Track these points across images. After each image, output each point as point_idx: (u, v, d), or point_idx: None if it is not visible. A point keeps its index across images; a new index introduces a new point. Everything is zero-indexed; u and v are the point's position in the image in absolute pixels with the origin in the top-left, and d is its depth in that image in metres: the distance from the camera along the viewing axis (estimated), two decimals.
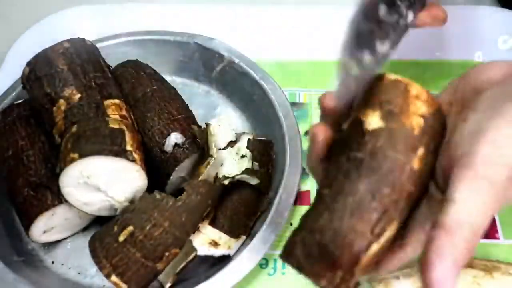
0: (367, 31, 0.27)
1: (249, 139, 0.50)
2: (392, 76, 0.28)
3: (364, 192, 0.26)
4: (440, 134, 0.28)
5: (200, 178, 0.43)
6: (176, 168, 0.46)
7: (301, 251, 0.27)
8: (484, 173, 0.25)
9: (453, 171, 0.26)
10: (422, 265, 0.25)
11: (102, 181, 0.41)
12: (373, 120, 0.27)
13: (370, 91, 0.28)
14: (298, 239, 0.28)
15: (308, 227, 0.27)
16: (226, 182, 0.43)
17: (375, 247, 0.26)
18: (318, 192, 0.28)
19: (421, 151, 0.27)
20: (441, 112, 0.28)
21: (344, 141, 0.28)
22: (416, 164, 0.26)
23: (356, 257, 0.25)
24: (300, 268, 0.27)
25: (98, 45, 0.53)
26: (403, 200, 0.26)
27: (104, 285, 0.46)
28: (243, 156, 0.49)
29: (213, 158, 0.45)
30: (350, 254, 0.25)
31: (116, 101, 0.47)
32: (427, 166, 0.27)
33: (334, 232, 0.26)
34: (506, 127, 0.25)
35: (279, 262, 0.48)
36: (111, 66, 0.53)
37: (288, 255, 0.28)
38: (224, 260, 0.44)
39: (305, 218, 0.28)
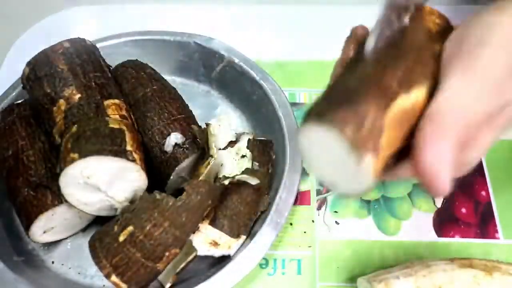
0: None
1: (249, 139, 0.50)
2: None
3: (390, 58, 0.26)
4: None
5: (200, 178, 0.43)
6: (176, 168, 0.46)
7: (323, 105, 0.24)
8: (474, 59, 0.25)
9: (444, 67, 0.26)
10: (412, 156, 0.25)
11: (102, 181, 0.41)
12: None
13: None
14: (320, 99, 0.25)
15: (332, 87, 0.26)
16: (226, 182, 0.43)
17: (402, 101, 0.24)
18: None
19: (438, 46, 0.28)
20: (451, 26, 0.31)
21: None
22: (438, 49, 0.28)
23: (383, 104, 0.24)
24: (320, 116, 0.23)
25: (98, 45, 0.53)
26: (428, 69, 0.26)
27: (104, 285, 0.46)
28: (243, 156, 0.49)
29: (213, 158, 0.45)
30: (376, 100, 0.23)
31: (116, 101, 0.47)
32: None
33: (360, 84, 0.24)
34: (491, 14, 0.26)
35: (279, 262, 0.48)
36: (111, 66, 0.53)
37: (308, 115, 0.24)
38: (224, 260, 0.44)
39: (328, 85, 0.27)
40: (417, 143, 0.25)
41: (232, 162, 0.49)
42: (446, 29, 0.30)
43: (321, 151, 0.24)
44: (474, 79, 0.25)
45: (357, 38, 0.32)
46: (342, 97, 0.24)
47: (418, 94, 0.26)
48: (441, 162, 0.24)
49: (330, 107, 0.24)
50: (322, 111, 0.24)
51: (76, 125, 0.43)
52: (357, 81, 0.25)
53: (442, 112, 0.25)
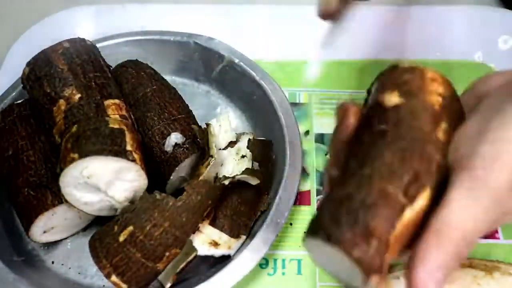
0: None
1: (249, 139, 0.50)
2: (406, 64, 0.28)
3: (392, 157, 0.25)
4: (459, 115, 0.28)
5: (201, 178, 0.43)
6: (176, 168, 0.46)
7: (329, 220, 0.24)
8: (483, 175, 0.24)
9: (453, 172, 0.25)
10: (408, 267, 0.25)
11: (102, 181, 0.41)
12: (392, 99, 0.27)
13: (386, 78, 0.28)
14: (324, 211, 0.25)
15: (334, 197, 0.25)
16: (226, 182, 0.43)
17: (409, 214, 0.24)
18: (342, 171, 0.27)
19: (444, 125, 0.26)
20: (457, 95, 0.28)
21: (365, 122, 0.27)
22: (441, 135, 0.26)
23: (390, 221, 0.23)
24: (329, 237, 0.24)
25: (98, 45, 0.53)
26: (433, 167, 0.25)
27: (104, 285, 0.46)
28: (243, 156, 0.49)
29: (213, 158, 0.45)
30: (382, 218, 0.23)
31: (116, 101, 0.47)
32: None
33: (364, 197, 0.24)
34: (506, 128, 0.24)
35: (279, 262, 0.48)
36: (111, 66, 0.53)
37: (314, 230, 0.25)
38: (224, 260, 0.44)
39: (328, 193, 0.27)
40: (413, 259, 0.25)
41: (232, 162, 0.49)
42: (451, 101, 0.27)
43: (328, 258, 0.25)
44: (482, 194, 0.24)
45: (355, 113, 0.29)
46: (348, 213, 0.24)
47: (423, 200, 0.25)
48: (431, 282, 0.25)
49: (338, 225, 0.24)
50: (330, 228, 0.24)
51: (76, 125, 0.43)
52: (363, 191, 0.24)
53: (448, 226, 0.24)
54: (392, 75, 0.28)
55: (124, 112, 0.47)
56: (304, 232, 0.26)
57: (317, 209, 0.27)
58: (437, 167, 0.25)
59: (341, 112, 0.30)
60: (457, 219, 0.24)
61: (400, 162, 0.25)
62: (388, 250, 0.24)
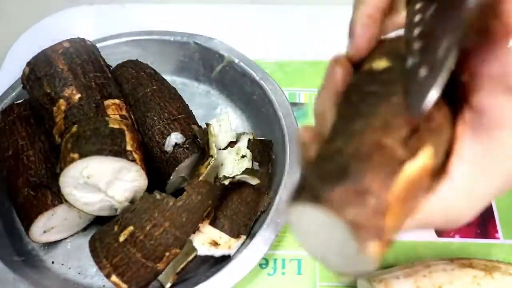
0: None
1: (249, 139, 0.50)
2: (392, 35, 0.26)
3: (385, 111, 0.21)
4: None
5: (201, 178, 0.43)
6: (176, 168, 0.46)
7: (314, 179, 0.20)
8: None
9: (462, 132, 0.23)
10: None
11: (102, 181, 0.41)
12: (381, 63, 0.24)
13: (373, 50, 0.26)
14: (308, 171, 0.21)
15: (319, 155, 0.22)
16: (226, 182, 0.43)
17: (409, 170, 0.20)
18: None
19: None
20: None
21: (353, 88, 0.25)
22: None
23: (388, 175, 0.20)
24: (315, 198, 0.19)
25: (98, 45, 0.53)
26: (433, 123, 0.22)
27: (104, 285, 0.46)
28: (243, 156, 0.49)
29: (213, 158, 0.45)
30: (379, 171, 0.20)
31: (116, 101, 0.47)
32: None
33: (356, 149, 0.20)
34: None
35: (279, 262, 0.48)
36: (111, 66, 0.53)
37: (297, 194, 0.21)
38: (224, 260, 0.44)
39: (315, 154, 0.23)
40: None
41: (232, 162, 0.49)
42: None
43: (315, 231, 0.21)
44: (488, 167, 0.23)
45: (344, 64, 0.27)
46: (338, 168, 0.20)
47: (425, 157, 0.21)
48: None
49: (325, 181, 0.20)
50: (315, 187, 0.20)
51: (76, 125, 0.43)
52: (354, 143, 0.21)
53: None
54: (378, 46, 0.26)
55: (124, 112, 0.47)
56: (287, 202, 0.22)
57: (301, 172, 0.23)
58: (437, 125, 0.23)
59: (330, 66, 0.27)
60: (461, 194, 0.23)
61: (395, 115, 0.21)
62: (388, 212, 0.20)
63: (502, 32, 0.21)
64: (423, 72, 0.21)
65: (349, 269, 0.21)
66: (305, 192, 0.20)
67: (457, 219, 0.23)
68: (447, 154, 0.23)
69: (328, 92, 0.26)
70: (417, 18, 0.24)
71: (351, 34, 0.27)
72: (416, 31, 0.24)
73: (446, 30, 0.21)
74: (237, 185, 0.45)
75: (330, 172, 0.20)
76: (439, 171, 0.23)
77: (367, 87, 0.24)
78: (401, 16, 0.28)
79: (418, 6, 0.25)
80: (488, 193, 0.23)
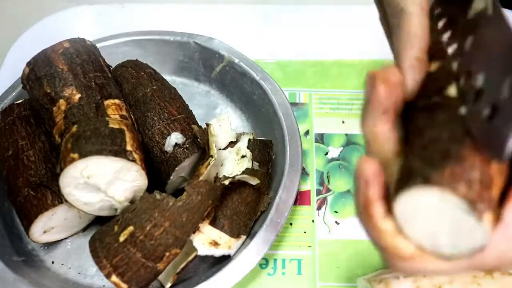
0: None
1: (249, 139, 0.50)
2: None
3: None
4: None
5: (201, 178, 0.43)
6: (176, 168, 0.46)
7: (420, 166, 0.22)
8: None
9: None
10: None
11: (102, 181, 0.41)
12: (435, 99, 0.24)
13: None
14: (408, 163, 0.23)
15: (412, 150, 0.23)
16: (226, 182, 0.43)
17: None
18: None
19: None
20: None
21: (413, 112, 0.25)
22: None
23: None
24: (427, 180, 0.21)
25: (98, 45, 0.53)
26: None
27: (104, 285, 0.46)
28: (243, 156, 0.49)
29: (213, 159, 0.45)
30: (476, 145, 0.21)
31: (116, 101, 0.47)
32: None
33: (451, 134, 0.22)
34: None
35: (279, 262, 0.48)
36: (111, 66, 0.53)
37: (405, 183, 0.22)
38: (224, 260, 0.44)
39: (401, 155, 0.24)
40: None
41: (232, 162, 0.49)
42: None
43: (425, 217, 0.22)
44: None
45: (384, 79, 0.25)
46: (439, 152, 0.22)
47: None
48: None
49: (431, 165, 0.21)
50: (423, 171, 0.21)
51: (76, 125, 0.43)
52: (447, 132, 0.22)
53: None
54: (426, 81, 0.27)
55: (124, 112, 0.47)
56: (390, 199, 0.23)
57: (399, 170, 0.23)
58: None
59: (369, 85, 0.26)
60: None
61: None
62: (493, 184, 0.21)
63: None
64: (486, 112, 0.21)
65: (464, 250, 0.22)
66: (414, 177, 0.21)
67: (509, 264, 0.23)
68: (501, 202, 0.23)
69: (376, 113, 0.25)
70: (452, 48, 0.25)
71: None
72: (456, 64, 0.24)
73: (504, 66, 0.21)
74: (237, 185, 0.45)
75: (433, 158, 0.21)
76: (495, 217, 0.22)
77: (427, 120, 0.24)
78: None
79: (447, 34, 0.26)
80: None
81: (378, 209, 0.23)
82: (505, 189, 0.23)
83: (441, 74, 0.26)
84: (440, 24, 0.27)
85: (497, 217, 0.21)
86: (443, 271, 0.23)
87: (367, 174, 0.24)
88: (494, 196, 0.21)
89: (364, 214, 0.24)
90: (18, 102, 0.51)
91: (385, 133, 0.25)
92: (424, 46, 0.27)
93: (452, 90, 0.24)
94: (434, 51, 0.27)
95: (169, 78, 0.58)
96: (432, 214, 0.22)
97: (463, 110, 0.23)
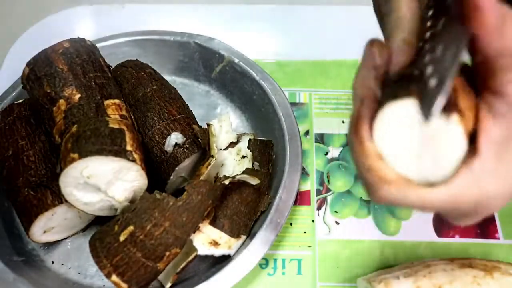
0: None
1: (249, 139, 0.50)
2: None
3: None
4: None
5: (201, 178, 0.43)
6: (176, 168, 0.46)
7: (392, 90, 0.25)
8: None
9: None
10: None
11: (102, 181, 0.41)
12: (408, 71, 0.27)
13: None
14: (382, 98, 0.25)
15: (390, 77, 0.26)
16: (226, 182, 0.43)
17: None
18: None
19: None
20: None
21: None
22: None
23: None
24: (396, 96, 0.24)
25: (98, 45, 0.53)
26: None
27: (104, 285, 0.46)
28: (243, 157, 0.49)
29: (214, 159, 0.45)
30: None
31: (116, 101, 0.47)
32: None
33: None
34: None
35: (279, 262, 0.48)
36: (111, 66, 0.53)
37: (381, 104, 0.24)
38: (224, 260, 0.44)
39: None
40: None
41: (232, 162, 0.49)
42: None
43: (404, 135, 0.24)
44: None
45: (379, 45, 0.28)
46: (408, 78, 0.24)
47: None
48: None
49: (400, 88, 0.24)
50: (393, 92, 0.24)
51: (76, 125, 0.43)
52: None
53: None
54: None
55: (124, 112, 0.47)
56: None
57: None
58: None
59: (366, 48, 0.28)
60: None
61: None
62: (459, 97, 0.23)
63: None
64: (433, 82, 0.23)
65: (442, 168, 0.24)
66: (386, 99, 0.24)
67: (487, 202, 0.24)
68: (472, 137, 0.24)
69: (368, 72, 0.27)
70: (428, 33, 0.27)
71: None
72: (428, 45, 0.26)
73: (450, 41, 0.24)
74: (237, 185, 0.45)
75: (400, 80, 0.24)
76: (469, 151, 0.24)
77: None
78: None
79: (429, 23, 0.27)
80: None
81: (366, 130, 0.25)
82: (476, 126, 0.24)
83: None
84: (430, 12, 0.29)
85: (473, 151, 0.23)
86: (424, 201, 0.24)
87: (363, 94, 0.26)
88: (463, 106, 0.23)
89: (353, 132, 0.25)
90: (18, 102, 0.51)
91: (371, 88, 0.26)
92: (413, 29, 0.28)
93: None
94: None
95: (169, 78, 0.58)
96: (408, 133, 0.23)
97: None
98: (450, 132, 0.23)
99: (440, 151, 0.24)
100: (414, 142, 0.24)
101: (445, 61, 0.23)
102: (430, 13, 0.29)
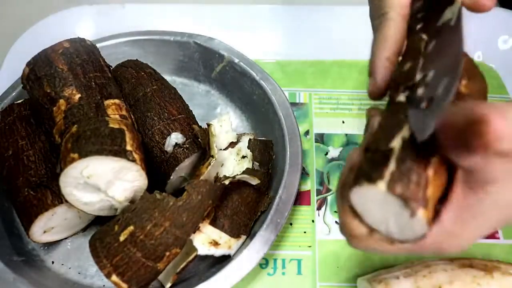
0: None
1: (249, 139, 0.50)
2: None
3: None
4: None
5: (201, 178, 0.43)
6: (176, 168, 0.46)
7: (368, 165, 0.27)
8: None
9: None
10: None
11: (102, 181, 0.41)
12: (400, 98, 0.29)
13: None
14: (361, 163, 0.27)
15: (368, 145, 0.27)
16: (226, 182, 0.43)
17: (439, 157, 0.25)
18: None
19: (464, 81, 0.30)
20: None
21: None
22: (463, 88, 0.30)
23: (425, 157, 0.25)
24: (371, 180, 0.25)
25: (98, 45, 0.53)
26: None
27: (104, 285, 0.46)
28: (243, 157, 0.49)
29: (214, 159, 0.45)
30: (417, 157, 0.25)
31: (116, 101, 0.47)
32: None
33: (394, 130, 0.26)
34: None
35: (279, 262, 0.48)
36: (111, 66, 0.53)
37: (357, 177, 0.26)
38: (224, 260, 0.44)
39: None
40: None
41: (232, 162, 0.49)
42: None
43: (376, 206, 0.26)
44: None
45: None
46: (384, 159, 0.25)
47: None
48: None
49: (377, 168, 0.25)
50: (368, 172, 0.26)
51: (76, 125, 0.43)
52: (391, 132, 0.26)
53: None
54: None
55: (124, 112, 0.47)
56: (347, 189, 0.27)
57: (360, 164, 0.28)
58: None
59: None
60: None
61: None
62: (429, 184, 0.25)
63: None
64: (423, 104, 0.26)
65: (408, 237, 0.26)
66: (362, 176, 0.26)
67: (444, 253, 0.27)
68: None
69: (360, 146, 0.30)
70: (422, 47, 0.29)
71: (372, 73, 0.32)
72: (420, 64, 0.29)
73: (445, 69, 0.26)
74: (237, 185, 0.45)
75: (378, 161, 0.26)
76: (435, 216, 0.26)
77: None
78: None
79: (423, 36, 0.30)
80: (480, 232, 0.27)
81: (347, 192, 0.27)
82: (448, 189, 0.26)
83: (410, 72, 0.29)
84: (419, 26, 0.31)
85: (435, 213, 0.26)
86: (389, 250, 0.28)
87: (353, 162, 0.28)
88: (430, 194, 0.25)
89: (338, 193, 0.29)
90: (18, 102, 0.51)
91: (359, 161, 0.28)
92: (397, 49, 0.32)
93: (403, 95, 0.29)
94: (411, 49, 0.31)
95: (169, 78, 0.58)
96: (379, 206, 0.26)
97: (404, 99, 0.28)
98: (413, 220, 0.25)
99: (404, 224, 0.26)
100: (383, 211, 0.26)
101: (438, 90, 0.25)
102: (419, 26, 0.31)
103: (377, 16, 0.33)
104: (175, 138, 0.47)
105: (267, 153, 0.50)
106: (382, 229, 0.27)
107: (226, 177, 0.44)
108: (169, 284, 0.42)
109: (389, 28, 0.32)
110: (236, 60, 0.56)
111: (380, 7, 0.33)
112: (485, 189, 0.24)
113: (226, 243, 0.44)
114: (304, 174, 0.54)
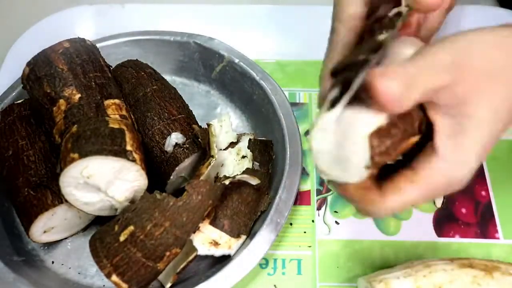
0: None
1: (249, 139, 0.50)
2: None
3: None
4: None
5: (201, 178, 0.43)
6: (176, 168, 0.46)
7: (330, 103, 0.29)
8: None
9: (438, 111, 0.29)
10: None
11: (102, 181, 0.41)
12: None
13: None
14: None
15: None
16: (226, 182, 0.43)
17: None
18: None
19: None
20: None
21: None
22: None
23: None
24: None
25: (98, 45, 0.53)
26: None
27: (104, 285, 0.46)
28: (243, 157, 0.49)
29: (214, 159, 0.45)
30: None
31: (116, 101, 0.47)
32: None
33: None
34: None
35: (279, 262, 0.48)
36: (111, 66, 0.53)
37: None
38: (224, 260, 0.44)
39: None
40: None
41: (232, 162, 0.49)
42: None
43: (330, 144, 0.29)
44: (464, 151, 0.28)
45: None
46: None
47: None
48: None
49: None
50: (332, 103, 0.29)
51: (76, 125, 0.43)
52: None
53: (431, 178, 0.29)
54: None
55: (124, 112, 0.47)
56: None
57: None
58: None
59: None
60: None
61: None
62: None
63: None
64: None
65: (352, 175, 0.29)
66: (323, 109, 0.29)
67: (458, 183, 0.29)
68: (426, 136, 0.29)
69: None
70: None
71: (319, 84, 0.36)
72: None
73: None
74: (237, 185, 0.45)
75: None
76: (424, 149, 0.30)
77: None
78: None
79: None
80: (474, 155, 0.28)
81: None
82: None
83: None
84: (367, 37, 0.34)
85: (432, 150, 0.29)
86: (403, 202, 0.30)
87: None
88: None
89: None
90: (18, 102, 0.51)
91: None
92: (345, 54, 0.35)
93: None
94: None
95: (169, 78, 0.58)
96: (334, 141, 0.29)
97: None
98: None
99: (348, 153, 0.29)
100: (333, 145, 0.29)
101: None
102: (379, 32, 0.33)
103: (331, 29, 0.37)
104: (175, 138, 0.47)
105: (267, 153, 0.50)
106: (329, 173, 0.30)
107: (226, 177, 0.44)
108: (169, 284, 0.42)
109: (336, 43, 0.36)
110: (236, 60, 0.56)
111: (332, 20, 0.37)
112: (461, 110, 0.27)
113: (226, 243, 0.44)
114: (304, 174, 0.54)
